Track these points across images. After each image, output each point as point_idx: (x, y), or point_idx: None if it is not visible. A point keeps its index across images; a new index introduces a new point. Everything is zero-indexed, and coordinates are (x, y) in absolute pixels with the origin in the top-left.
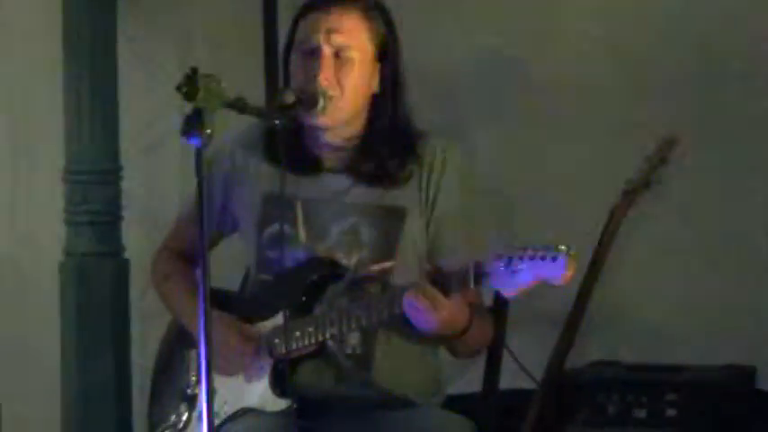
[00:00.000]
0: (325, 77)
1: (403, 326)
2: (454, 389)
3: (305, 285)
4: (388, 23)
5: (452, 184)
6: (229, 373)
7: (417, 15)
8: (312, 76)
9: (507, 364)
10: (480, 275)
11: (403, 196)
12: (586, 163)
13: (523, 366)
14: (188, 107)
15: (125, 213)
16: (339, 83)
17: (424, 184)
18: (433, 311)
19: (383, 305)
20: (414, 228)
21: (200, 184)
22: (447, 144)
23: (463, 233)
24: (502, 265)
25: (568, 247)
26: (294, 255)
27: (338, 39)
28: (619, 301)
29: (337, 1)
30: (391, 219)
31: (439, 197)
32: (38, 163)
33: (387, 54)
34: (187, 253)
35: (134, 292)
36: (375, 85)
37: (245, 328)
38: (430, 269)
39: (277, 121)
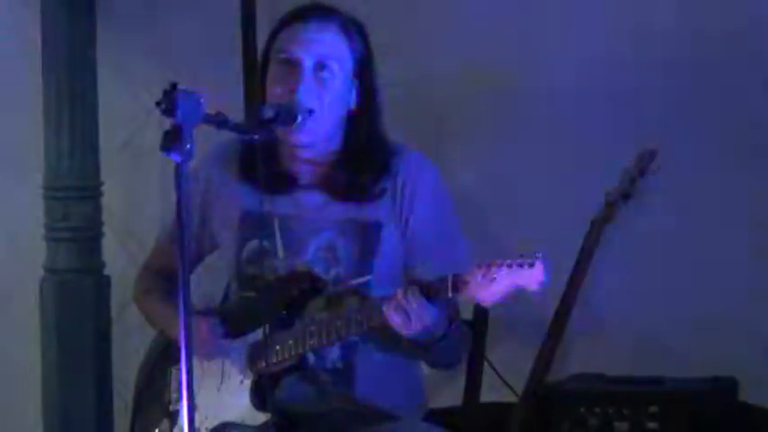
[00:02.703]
0: (305, 90)
1: (382, 336)
2: (436, 402)
3: (285, 300)
4: (365, 40)
5: (426, 197)
6: (207, 353)
7: (402, 31)
8: (291, 89)
9: (488, 377)
10: (458, 284)
11: (378, 210)
12: (569, 175)
13: (504, 379)
14: (167, 123)
15: (105, 230)
16: (318, 96)
17: (398, 198)
18: (413, 315)
19: (362, 317)
20: (390, 241)
21: (179, 200)
22: (419, 158)
23: (437, 245)
24: (480, 273)
25: (543, 255)
26: (273, 271)
27: (319, 50)
28: (600, 313)
29: (317, 14)
30: (367, 233)
31: (413, 209)
32: (18, 179)
33: (363, 70)
34: (169, 271)
35: (115, 309)
36: (352, 102)
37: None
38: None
39: (256, 137)
